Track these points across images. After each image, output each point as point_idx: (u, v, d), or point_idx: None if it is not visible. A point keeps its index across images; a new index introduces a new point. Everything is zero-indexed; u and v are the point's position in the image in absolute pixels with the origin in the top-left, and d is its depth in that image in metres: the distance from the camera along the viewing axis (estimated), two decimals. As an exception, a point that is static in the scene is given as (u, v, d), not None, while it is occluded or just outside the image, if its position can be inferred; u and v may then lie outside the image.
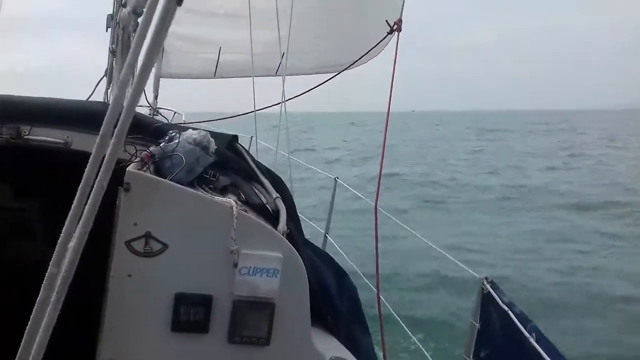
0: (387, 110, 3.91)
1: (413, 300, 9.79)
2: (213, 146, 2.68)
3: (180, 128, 2.77)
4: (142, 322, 2.22)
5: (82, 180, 1.39)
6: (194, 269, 2.24)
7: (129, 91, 1.45)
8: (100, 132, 1.38)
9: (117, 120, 1.37)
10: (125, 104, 1.42)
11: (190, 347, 2.28)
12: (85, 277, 2.33)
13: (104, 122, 1.38)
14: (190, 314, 2.24)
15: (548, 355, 1.68)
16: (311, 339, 2.50)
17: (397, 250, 12.14)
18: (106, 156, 1.38)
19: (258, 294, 2.30)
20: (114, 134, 1.38)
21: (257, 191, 2.77)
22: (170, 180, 2.27)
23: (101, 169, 1.37)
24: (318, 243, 4.68)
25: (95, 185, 1.37)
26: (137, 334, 2.22)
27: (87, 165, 1.39)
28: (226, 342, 2.31)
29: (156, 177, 2.22)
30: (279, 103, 5.11)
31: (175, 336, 2.24)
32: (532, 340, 1.78)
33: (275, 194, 2.75)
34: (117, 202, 2.16)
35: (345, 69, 6.39)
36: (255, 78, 5.29)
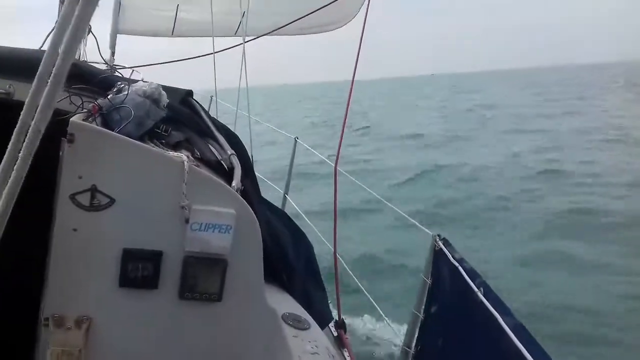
0: (352, 75, 3.84)
1: (368, 258, 9.96)
2: (165, 100, 2.60)
3: (130, 80, 2.67)
4: (88, 278, 2.17)
5: (18, 125, 1.33)
6: (143, 225, 2.19)
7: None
8: (36, 76, 1.31)
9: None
10: (61, 48, 1.35)
11: (139, 302, 2.24)
12: (29, 232, 2.26)
13: (40, 66, 1.31)
14: (138, 269, 2.20)
15: (495, 309, 1.70)
16: (264, 296, 2.49)
17: (356, 211, 12.30)
18: (42, 98, 1.32)
19: (210, 250, 2.27)
20: (51, 76, 1.31)
21: (211, 147, 2.71)
22: (117, 132, 2.19)
23: (37, 111, 1.30)
24: (277, 204, 4.65)
25: (31, 128, 1.31)
26: (83, 289, 2.17)
27: (23, 109, 1.32)
28: (177, 298, 2.28)
29: (102, 128, 2.14)
30: (239, 44, 4.97)
31: (123, 292, 2.20)
32: (479, 294, 1.80)
33: (230, 151, 2.69)
34: (61, 154, 2.07)
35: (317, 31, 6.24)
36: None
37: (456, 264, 2.08)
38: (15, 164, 1.33)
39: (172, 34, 6.95)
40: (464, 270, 2.00)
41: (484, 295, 1.80)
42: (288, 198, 5.28)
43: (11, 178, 1.33)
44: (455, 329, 2.06)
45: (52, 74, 1.28)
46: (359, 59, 3.61)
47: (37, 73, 1.30)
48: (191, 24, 6.77)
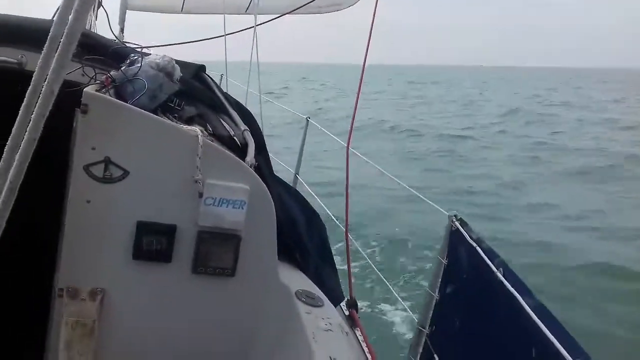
0: (362, 62, 3.77)
1: (382, 239, 9.92)
2: (178, 73, 2.56)
3: (143, 53, 2.63)
4: (101, 250, 2.16)
5: (29, 88, 1.30)
6: (157, 198, 2.17)
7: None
8: (48, 39, 1.28)
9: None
10: (73, 10, 1.31)
11: (153, 276, 2.23)
12: (43, 204, 2.24)
13: (51, 30, 1.27)
14: (152, 243, 2.18)
15: (515, 289, 1.67)
16: (277, 272, 2.48)
17: (369, 191, 12.25)
18: (54, 60, 1.28)
19: (223, 225, 2.25)
20: (62, 37, 1.28)
21: (224, 123, 2.67)
22: (131, 104, 2.16)
23: (49, 72, 1.26)
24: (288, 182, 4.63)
25: (43, 89, 1.27)
26: (97, 261, 2.16)
27: (35, 72, 1.29)
28: (190, 272, 2.27)
29: (116, 100, 2.11)
30: (250, 27, 4.91)
31: (136, 264, 2.19)
32: (499, 274, 1.77)
33: (243, 127, 2.66)
34: (74, 125, 2.04)
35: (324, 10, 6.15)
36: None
37: (474, 244, 2.04)
38: (27, 127, 1.30)
39: (182, 10, 6.89)
40: (482, 250, 1.97)
41: (504, 276, 1.76)
42: (299, 178, 5.25)
43: (24, 140, 1.30)
44: (473, 309, 2.03)
45: (63, 35, 1.24)
46: (370, 41, 3.55)
47: (49, 36, 1.26)
48: (200, 1, 6.70)
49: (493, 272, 1.80)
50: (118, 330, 2.24)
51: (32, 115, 1.28)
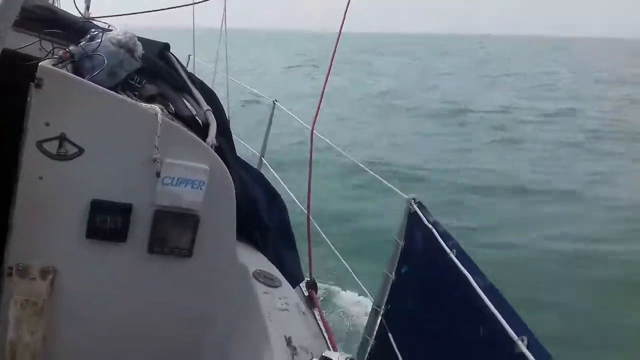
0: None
1: (342, 220, 10.00)
2: (140, 50, 2.52)
3: (104, 29, 2.57)
4: (53, 228, 2.12)
5: None
6: (113, 176, 2.14)
7: None
8: None
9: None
10: None
11: (107, 255, 2.20)
12: None
13: None
14: (107, 222, 2.16)
15: (466, 269, 1.71)
16: (236, 253, 2.48)
17: (331, 173, 12.31)
18: None
19: (181, 205, 2.24)
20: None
21: (187, 103, 2.65)
22: (89, 80, 2.12)
23: None
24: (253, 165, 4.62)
25: None
26: (48, 239, 2.12)
27: None
28: (146, 252, 2.25)
29: (72, 75, 2.06)
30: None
31: (90, 243, 2.16)
32: (452, 255, 1.81)
33: (206, 107, 2.64)
34: (29, 99, 1.99)
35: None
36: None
37: (430, 226, 2.08)
38: None
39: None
40: (438, 233, 2.01)
41: (456, 257, 1.80)
42: (264, 161, 5.23)
43: None
44: (426, 289, 2.08)
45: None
46: (347, 10, 3.53)
47: None
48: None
49: (447, 253, 1.85)
50: (70, 310, 2.21)
51: None
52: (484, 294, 1.60)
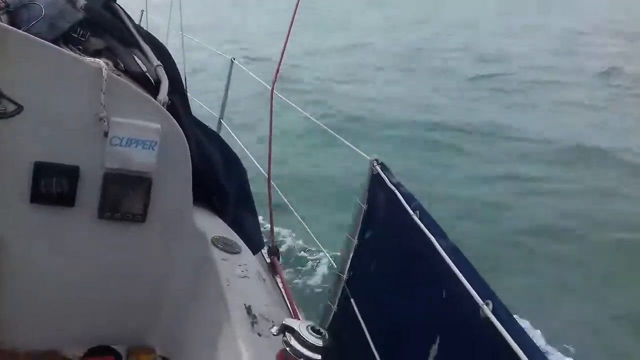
0: None
1: (304, 183, 9.91)
2: (82, 1, 2.34)
3: None
4: None
5: None
6: (57, 137, 1.99)
7: None
8: None
9: None
10: None
11: (54, 220, 2.07)
12: None
13: None
14: (52, 185, 2.02)
15: (429, 230, 1.65)
16: (192, 218, 2.37)
17: (292, 135, 12.13)
18: None
19: (132, 167, 2.11)
20: None
21: (136, 58, 2.48)
22: (25, 31, 1.95)
23: None
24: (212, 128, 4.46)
25: None
26: None
27: None
28: (95, 217, 2.13)
29: (8, 26, 1.89)
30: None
31: (35, 208, 2.03)
32: (415, 217, 1.74)
33: (156, 62, 2.48)
34: None
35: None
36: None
37: (393, 187, 2.01)
38: None
39: None
40: (401, 194, 1.94)
41: (420, 219, 1.73)
42: (223, 122, 5.08)
43: None
44: (389, 253, 2.02)
45: None
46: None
47: None
48: None
49: (409, 215, 1.78)
50: (18, 278, 2.09)
51: None
52: (448, 256, 1.54)
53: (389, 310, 1.93)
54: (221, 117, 5.09)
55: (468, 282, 1.40)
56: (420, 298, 1.74)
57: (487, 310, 1.29)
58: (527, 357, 1.12)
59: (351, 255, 2.36)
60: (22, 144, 1.96)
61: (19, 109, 1.92)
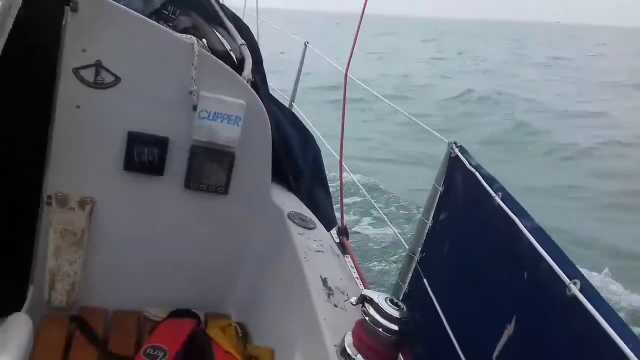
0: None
1: (377, 168, 9.87)
2: None
3: None
4: (92, 157, 2.10)
5: None
6: (149, 108, 2.10)
7: None
8: None
9: None
10: None
11: (144, 188, 2.19)
12: (30, 108, 2.16)
13: None
14: (144, 154, 2.13)
15: (512, 212, 1.64)
16: (270, 192, 2.44)
17: (367, 119, 12.09)
18: None
19: (217, 140, 2.20)
20: None
21: (220, 36, 2.57)
22: (124, 5, 2.05)
23: None
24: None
25: None
26: (86, 169, 2.11)
27: None
28: (182, 187, 2.23)
29: (109, 0, 2.00)
30: None
31: (127, 175, 2.14)
32: (497, 199, 1.73)
33: (240, 41, 2.56)
34: (63, 24, 1.94)
35: None
36: None
37: (473, 169, 2.00)
38: None
39: None
40: (481, 176, 1.93)
41: (503, 200, 1.72)
42: (294, 105, 5.15)
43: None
44: (467, 234, 2.01)
45: None
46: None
47: None
48: None
49: (491, 196, 1.77)
50: (108, 240, 2.21)
51: None
52: (533, 237, 1.53)
53: (464, 290, 1.94)
54: (292, 99, 5.16)
55: (554, 261, 1.39)
56: (498, 279, 1.74)
57: (575, 289, 1.28)
58: (619, 335, 1.11)
59: (424, 236, 2.37)
60: (117, 113, 2.08)
61: (117, 80, 2.03)
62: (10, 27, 1.43)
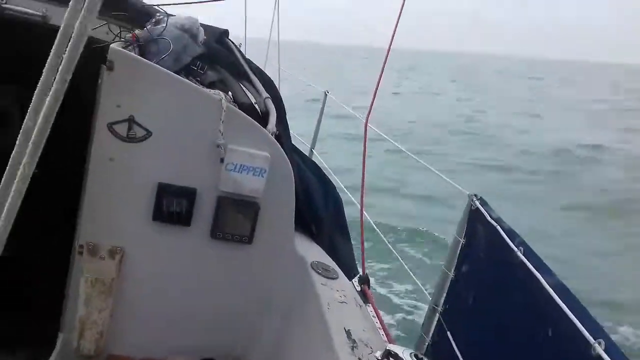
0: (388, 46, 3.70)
1: (398, 215, 9.85)
2: (202, 36, 2.54)
3: (168, 13, 2.61)
4: (122, 208, 2.16)
5: (54, 48, 1.31)
6: (179, 160, 2.17)
7: None
8: (69, 3, 1.29)
9: None
10: None
11: (171, 238, 2.24)
12: (66, 160, 2.25)
13: None
14: (172, 205, 2.18)
15: (534, 267, 1.65)
16: (294, 242, 2.47)
17: (385, 168, 12.13)
18: (78, 22, 1.29)
19: (243, 191, 2.25)
20: (86, 3, 1.28)
21: (246, 90, 2.65)
22: (156, 64, 2.15)
23: (73, 35, 1.27)
24: None
25: (67, 52, 1.28)
26: (117, 220, 2.17)
27: (57, 35, 1.30)
28: (208, 236, 2.28)
29: (142, 58, 2.09)
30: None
31: (156, 225, 2.20)
32: (519, 254, 1.75)
33: (265, 94, 2.64)
34: (99, 82, 2.03)
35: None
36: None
37: (494, 223, 2.02)
38: (51, 88, 1.30)
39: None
40: (503, 230, 1.95)
41: (524, 255, 1.74)
42: (315, 152, 5.23)
43: (48, 100, 1.30)
44: (489, 287, 2.02)
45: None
46: (399, 21, 3.48)
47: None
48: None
49: (513, 251, 1.79)
50: (136, 289, 2.25)
51: (56, 77, 1.29)
52: (555, 293, 1.54)
53: (489, 345, 1.93)
54: (312, 146, 5.25)
55: (578, 319, 1.39)
56: (523, 335, 1.74)
57: (600, 349, 1.28)
58: None
59: (447, 288, 2.37)
60: (148, 165, 2.15)
61: (148, 134, 2.11)
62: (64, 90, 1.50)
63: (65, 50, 1.30)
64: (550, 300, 1.53)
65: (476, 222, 2.21)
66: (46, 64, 1.31)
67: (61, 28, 1.30)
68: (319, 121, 5.27)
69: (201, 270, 2.32)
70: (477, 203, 2.21)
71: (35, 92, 1.31)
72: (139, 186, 2.15)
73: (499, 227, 1.97)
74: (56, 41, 1.30)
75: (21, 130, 1.34)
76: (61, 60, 1.31)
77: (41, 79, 1.31)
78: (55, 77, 1.31)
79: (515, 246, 1.81)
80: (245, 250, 2.33)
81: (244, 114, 2.27)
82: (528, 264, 1.69)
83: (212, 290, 2.35)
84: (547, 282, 1.59)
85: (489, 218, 2.08)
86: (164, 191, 2.16)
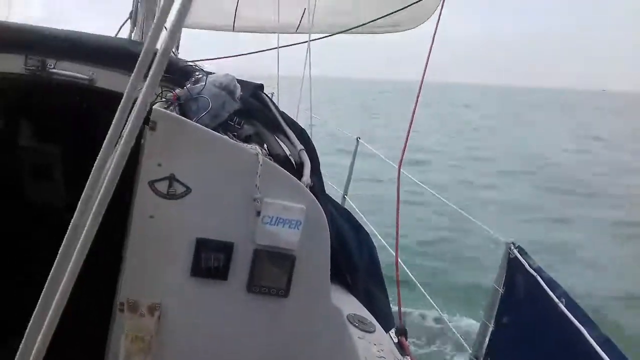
0: (422, 78, 3.75)
1: (434, 264, 9.69)
2: (239, 92, 2.62)
3: (207, 72, 2.71)
4: (161, 264, 2.20)
5: (113, 124, 1.37)
6: (217, 215, 2.21)
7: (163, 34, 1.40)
8: (132, 74, 1.35)
9: (151, 62, 1.35)
10: (161, 44, 1.38)
11: (209, 293, 2.26)
12: (108, 217, 2.31)
13: (137, 63, 1.35)
14: (210, 259, 2.21)
15: (577, 321, 1.62)
16: (330, 294, 2.47)
17: (420, 215, 12.00)
18: (139, 98, 1.35)
19: (279, 244, 2.27)
20: (149, 76, 1.35)
21: (280, 142, 2.71)
22: (196, 122, 2.22)
23: (133, 112, 1.33)
24: None
25: (128, 128, 1.34)
26: (156, 275, 2.20)
27: (118, 108, 1.36)
28: (245, 290, 2.29)
29: (183, 117, 2.17)
30: (305, 42, 4.97)
31: (194, 281, 2.22)
32: (561, 305, 1.71)
33: (299, 146, 2.69)
34: (142, 142, 2.11)
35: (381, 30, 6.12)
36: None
37: (534, 273, 1.99)
38: (112, 162, 1.36)
39: (233, 29, 7.07)
40: (543, 280, 1.91)
41: (566, 307, 1.71)
42: (347, 199, 5.24)
43: (105, 181, 1.37)
44: (532, 340, 1.97)
45: (150, 74, 1.31)
46: (429, 58, 3.53)
47: (134, 72, 1.34)
48: (252, 20, 6.89)
49: (555, 302, 1.75)
50: (174, 346, 2.26)
51: (128, 127, 1.34)
52: (599, 347, 1.50)
53: (533, 400, 1.88)
54: (345, 193, 5.27)
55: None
56: (568, 390, 1.69)
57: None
58: None
59: (487, 339, 2.32)
60: (187, 221, 2.19)
61: (187, 190, 2.17)
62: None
63: (126, 124, 1.36)
64: (595, 355, 1.49)
65: (515, 271, 2.18)
66: (106, 138, 1.36)
67: (123, 99, 1.36)
68: (351, 168, 5.31)
69: (238, 324, 2.33)
70: (516, 252, 2.18)
71: (94, 165, 1.37)
72: (178, 242, 2.19)
73: (539, 278, 1.94)
74: (118, 109, 1.37)
75: (80, 201, 1.39)
76: (126, 119, 1.37)
77: (102, 150, 1.36)
78: (119, 137, 1.37)
79: (557, 297, 1.77)
80: (281, 304, 2.33)
81: (280, 168, 2.31)
82: (570, 316, 1.65)
83: (249, 344, 2.35)
84: (590, 336, 1.55)
85: (528, 268, 2.05)
86: (203, 246, 2.20)
